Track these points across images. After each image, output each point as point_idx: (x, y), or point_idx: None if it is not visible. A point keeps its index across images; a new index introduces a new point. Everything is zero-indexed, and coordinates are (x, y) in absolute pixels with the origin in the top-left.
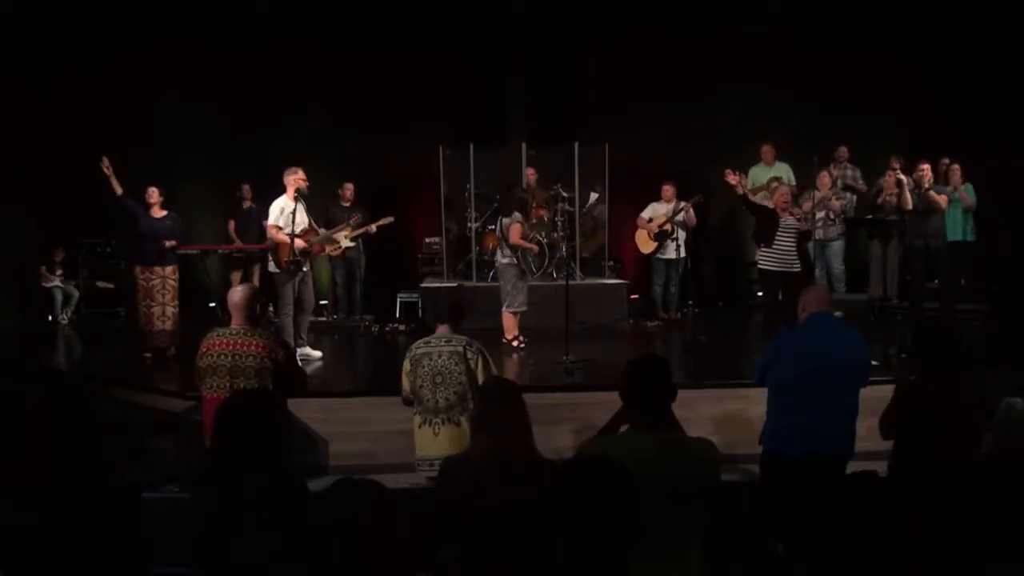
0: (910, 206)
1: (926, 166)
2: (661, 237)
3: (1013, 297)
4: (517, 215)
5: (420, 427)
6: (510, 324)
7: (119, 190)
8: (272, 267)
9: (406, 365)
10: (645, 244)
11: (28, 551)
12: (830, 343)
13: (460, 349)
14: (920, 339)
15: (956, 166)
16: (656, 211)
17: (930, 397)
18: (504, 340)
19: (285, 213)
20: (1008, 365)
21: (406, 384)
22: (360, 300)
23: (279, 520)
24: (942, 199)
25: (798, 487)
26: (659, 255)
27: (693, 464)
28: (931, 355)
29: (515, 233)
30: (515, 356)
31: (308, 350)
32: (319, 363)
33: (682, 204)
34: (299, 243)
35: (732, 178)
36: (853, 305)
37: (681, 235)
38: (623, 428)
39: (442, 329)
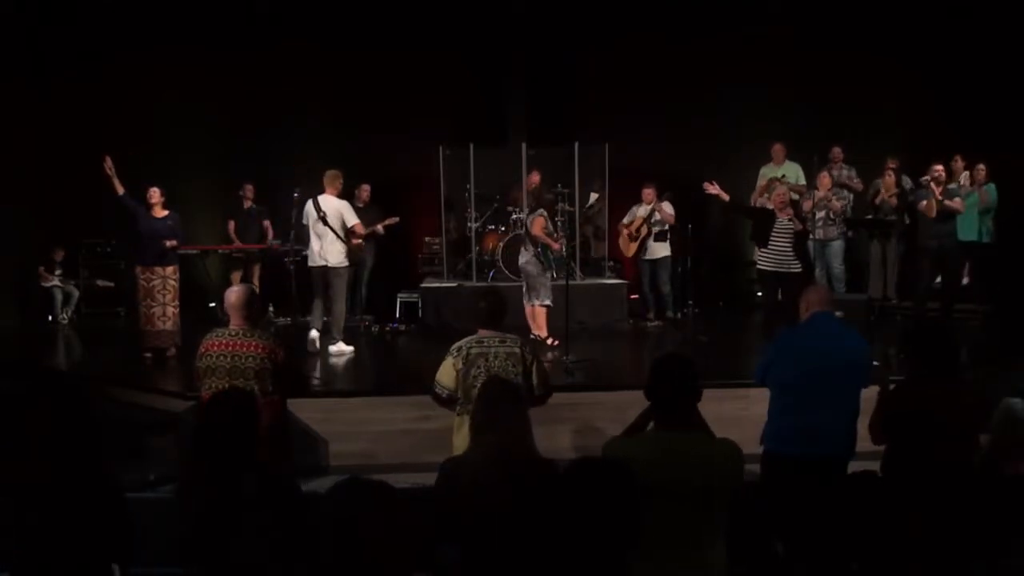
0: (934, 213)
1: (940, 167)
2: (660, 238)
3: (1013, 297)
4: (541, 210)
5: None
6: (540, 320)
7: (120, 190)
8: (343, 261)
9: (457, 363)
10: (626, 247)
11: (29, 550)
12: (830, 343)
13: (517, 350)
14: (913, 339)
15: (981, 166)
16: (635, 214)
17: (923, 398)
18: (532, 335)
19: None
20: (1008, 365)
21: (449, 382)
22: (362, 301)
23: (271, 520)
24: (956, 203)
25: (798, 487)
26: (643, 256)
27: (714, 464)
28: (924, 356)
29: (537, 225)
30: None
31: (342, 345)
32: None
33: (652, 205)
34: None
35: (712, 189)
36: (853, 305)
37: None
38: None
39: (484, 331)
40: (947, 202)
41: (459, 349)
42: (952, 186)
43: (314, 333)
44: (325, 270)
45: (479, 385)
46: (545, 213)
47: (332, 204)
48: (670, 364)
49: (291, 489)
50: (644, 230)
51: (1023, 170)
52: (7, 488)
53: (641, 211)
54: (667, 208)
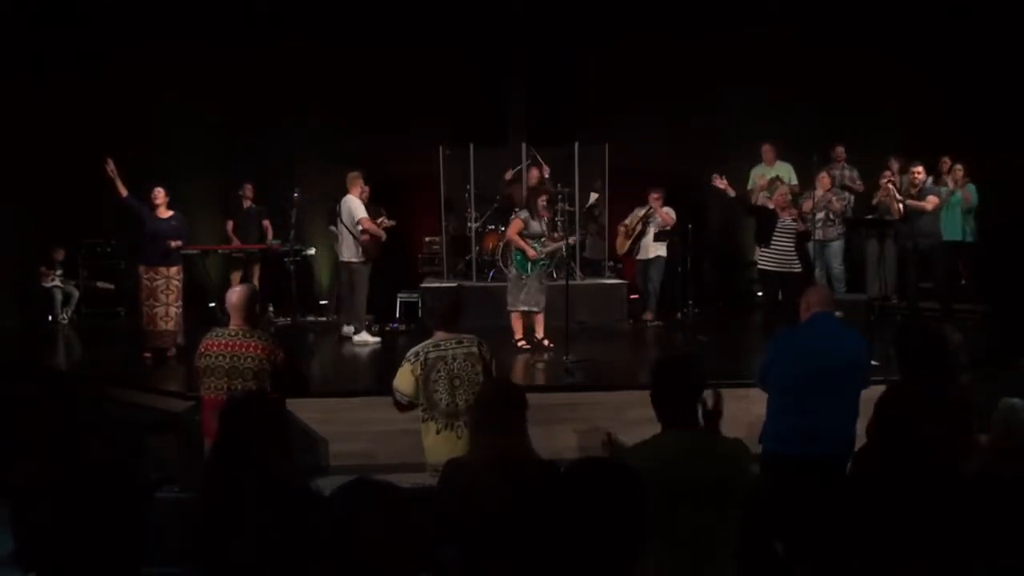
0: (898, 215)
1: (919, 168)
2: (660, 238)
3: (1012, 297)
4: (522, 212)
5: (438, 433)
6: (516, 325)
7: (123, 192)
8: (358, 257)
9: (415, 369)
10: (620, 245)
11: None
12: (830, 343)
13: (475, 350)
14: (900, 342)
15: (959, 166)
16: (636, 215)
17: (909, 400)
18: (512, 341)
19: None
20: (1007, 365)
21: (408, 389)
22: None
23: (280, 521)
24: (930, 201)
25: (798, 487)
26: (637, 256)
27: (720, 464)
28: (910, 358)
29: (511, 229)
30: (518, 356)
31: (366, 335)
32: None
33: (649, 206)
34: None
35: (719, 183)
36: (853, 305)
37: (651, 235)
38: None
39: (441, 333)
40: (910, 202)
41: (416, 355)
42: (932, 187)
43: (346, 329)
44: (343, 266)
45: (440, 389)
46: (524, 215)
47: (347, 204)
48: (665, 365)
49: (300, 489)
50: (639, 228)
51: (1023, 170)
52: (7, 488)
53: (641, 211)
54: (666, 210)
